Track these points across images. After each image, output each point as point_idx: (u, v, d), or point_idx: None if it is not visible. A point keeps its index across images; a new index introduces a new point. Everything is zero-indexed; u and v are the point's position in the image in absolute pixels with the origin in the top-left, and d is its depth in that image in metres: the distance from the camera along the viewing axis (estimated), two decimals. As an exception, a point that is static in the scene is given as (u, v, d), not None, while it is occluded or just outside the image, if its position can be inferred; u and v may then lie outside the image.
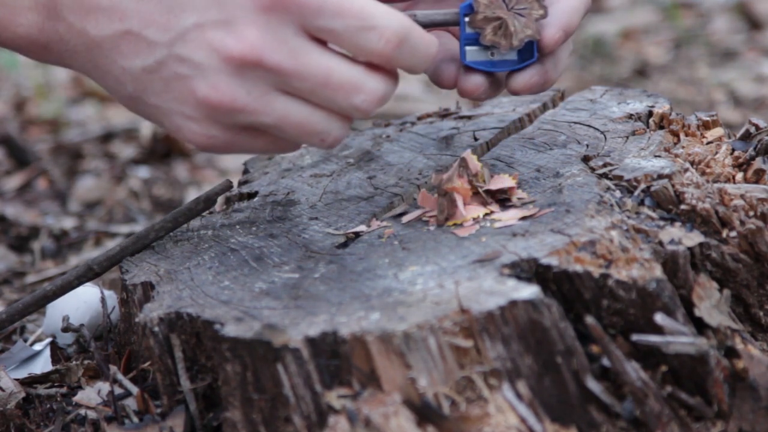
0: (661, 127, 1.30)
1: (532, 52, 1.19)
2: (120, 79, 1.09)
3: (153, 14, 1.06)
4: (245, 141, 1.10)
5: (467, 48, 1.20)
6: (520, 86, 1.20)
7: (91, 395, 1.22)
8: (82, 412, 1.21)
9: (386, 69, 1.09)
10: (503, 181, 1.19)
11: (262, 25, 1.04)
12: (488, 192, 1.19)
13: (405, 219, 1.20)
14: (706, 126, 1.28)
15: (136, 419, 1.16)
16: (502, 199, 1.19)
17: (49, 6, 1.09)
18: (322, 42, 1.07)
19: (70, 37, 1.09)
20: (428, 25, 1.18)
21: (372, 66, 1.08)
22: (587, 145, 1.27)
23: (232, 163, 2.45)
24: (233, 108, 1.06)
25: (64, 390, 1.27)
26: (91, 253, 1.98)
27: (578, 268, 1.06)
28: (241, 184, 1.41)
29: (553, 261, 1.06)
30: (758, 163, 1.21)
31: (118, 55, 1.08)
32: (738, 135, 1.27)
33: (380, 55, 1.06)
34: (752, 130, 1.27)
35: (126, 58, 1.08)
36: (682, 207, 1.14)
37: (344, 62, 1.07)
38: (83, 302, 1.35)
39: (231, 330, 1.06)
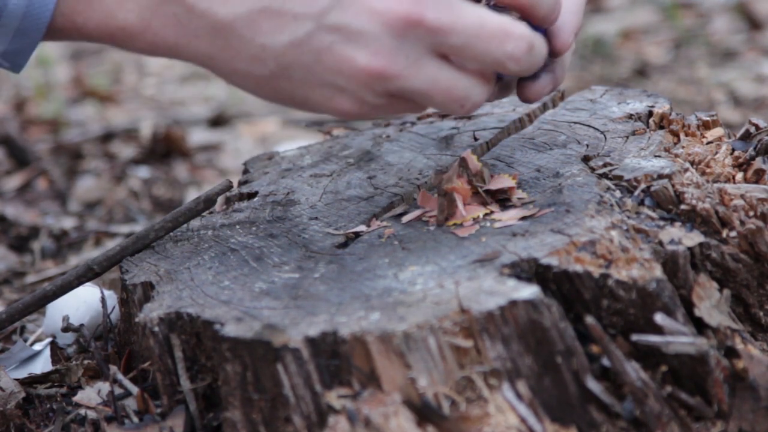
0: (661, 127, 1.30)
1: None
2: (258, 58, 1.03)
3: None
4: (390, 107, 1.07)
5: None
6: (535, 95, 1.22)
7: (91, 395, 1.22)
8: (82, 412, 1.21)
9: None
10: (503, 181, 1.19)
11: None
12: (488, 192, 1.19)
13: (405, 219, 1.20)
14: (706, 126, 1.28)
15: (136, 419, 1.16)
16: (502, 199, 1.19)
17: None
18: None
19: (188, 21, 1.02)
20: None
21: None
22: (587, 145, 1.27)
23: (232, 163, 2.45)
24: (392, 75, 1.03)
25: (64, 390, 1.27)
26: (91, 253, 1.98)
27: (578, 268, 1.06)
28: (241, 184, 1.41)
29: (553, 261, 1.06)
30: (758, 163, 1.21)
31: (256, 33, 1.02)
32: (738, 135, 1.27)
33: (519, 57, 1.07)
34: (752, 130, 1.27)
35: (266, 35, 1.02)
36: (682, 207, 1.14)
37: (490, 12, 1.06)
38: (83, 302, 1.35)
39: (231, 330, 1.06)
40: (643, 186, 1.16)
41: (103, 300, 1.33)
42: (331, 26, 1.02)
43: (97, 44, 1.11)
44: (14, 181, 2.37)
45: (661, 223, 1.13)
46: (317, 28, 1.02)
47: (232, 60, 1.04)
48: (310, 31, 1.02)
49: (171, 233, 1.28)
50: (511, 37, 1.06)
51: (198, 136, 2.65)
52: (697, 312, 1.09)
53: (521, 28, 1.07)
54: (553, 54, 1.19)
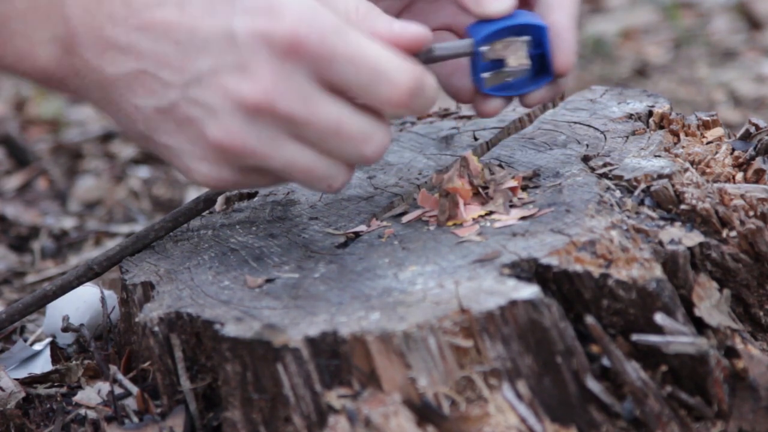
0: (661, 127, 1.30)
1: (547, 70, 1.19)
2: (132, 117, 1.09)
3: (169, 56, 1.05)
4: (253, 181, 1.10)
5: (483, 75, 1.19)
6: (536, 102, 1.22)
7: (91, 395, 1.22)
8: (82, 412, 1.21)
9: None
10: (507, 182, 1.19)
11: (277, 72, 1.04)
12: (488, 192, 1.19)
13: (405, 219, 1.20)
14: (706, 126, 1.28)
15: (136, 419, 1.16)
16: (502, 199, 1.19)
17: (67, 41, 1.08)
18: (334, 91, 1.06)
19: (85, 73, 1.08)
20: (444, 59, 1.17)
21: (379, 114, 1.08)
22: (587, 145, 1.27)
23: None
24: (243, 152, 1.06)
25: (64, 390, 1.27)
26: (91, 253, 1.98)
27: (578, 268, 1.06)
28: (241, 184, 1.41)
29: (553, 261, 1.06)
30: (758, 163, 1.21)
31: (131, 94, 1.07)
32: (738, 135, 1.27)
33: (395, 105, 1.06)
34: (752, 130, 1.27)
35: (139, 97, 1.07)
36: (682, 207, 1.14)
37: (354, 112, 1.07)
38: (83, 302, 1.35)
39: (231, 330, 1.06)
40: (643, 186, 1.16)
41: (103, 300, 1.33)
42: (192, 99, 1.06)
43: None
44: (14, 181, 2.37)
45: (661, 223, 1.13)
46: (181, 99, 1.06)
47: (116, 114, 1.10)
48: (174, 100, 1.06)
49: (171, 233, 1.28)
50: (370, 141, 1.07)
51: (198, 136, 2.64)
52: (697, 312, 1.09)
53: (382, 131, 1.08)
54: (557, 75, 1.19)
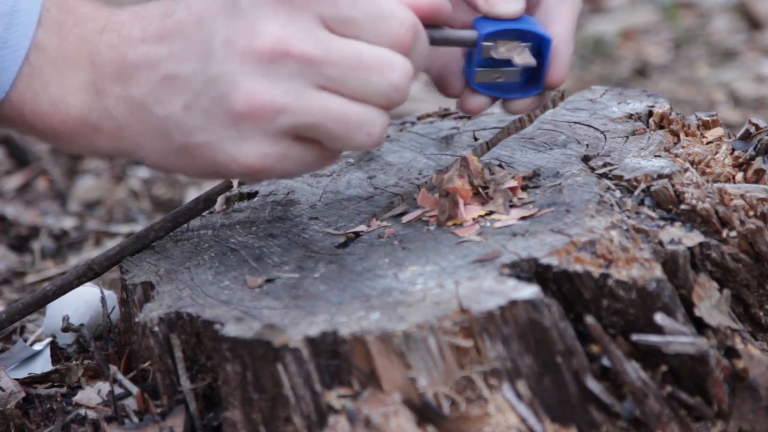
0: (661, 127, 1.30)
1: (538, 81, 1.19)
2: (166, 133, 1.07)
3: (184, 50, 1.06)
4: (296, 153, 1.07)
5: (476, 69, 1.19)
6: (518, 110, 1.23)
7: (91, 395, 1.22)
8: (82, 412, 1.21)
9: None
10: (507, 182, 1.19)
11: (284, 21, 1.04)
12: (488, 192, 1.19)
13: (405, 219, 1.20)
14: (706, 126, 1.28)
15: (136, 419, 1.16)
16: (502, 199, 1.19)
17: (97, 84, 1.08)
18: (343, 35, 1.07)
19: (117, 110, 1.08)
20: (446, 43, 1.17)
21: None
22: (587, 145, 1.27)
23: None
24: (273, 108, 1.04)
25: (64, 390, 1.27)
26: (91, 253, 1.98)
27: (578, 268, 1.06)
28: (241, 184, 1.41)
29: (553, 261, 1.06)
30: (758, 163, 1.21)
31: (159, 106, 1.07)
32: (738, 135, 1.27)
33: (401, 42, 1.06)
34: (752, 130, 1.27)
35: (166, 105, 1.06)
36: (682, 207, 1.14)
37: (369, 45, 1.06)
38: (83, 302, 1.35)
39: (231, 330, 1.06)
40: (643, 186, 1.16)
41: (103, 300, 1.33)
42: (212, 78, 1.05)
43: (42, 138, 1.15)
44: (14, 181, 2.37)
45: (661, 223, 1.13)
46: (203, 84, 1.05)
47: (152, 145, 1.09)
48: (198, 88, 1.05)
49: (171, 233, 1.28)
50: (394, 68, 1.06)
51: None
52: (697, 312, 1.09)
53: (403, 60, 1.07)
54: (548, 87, 1.20)
